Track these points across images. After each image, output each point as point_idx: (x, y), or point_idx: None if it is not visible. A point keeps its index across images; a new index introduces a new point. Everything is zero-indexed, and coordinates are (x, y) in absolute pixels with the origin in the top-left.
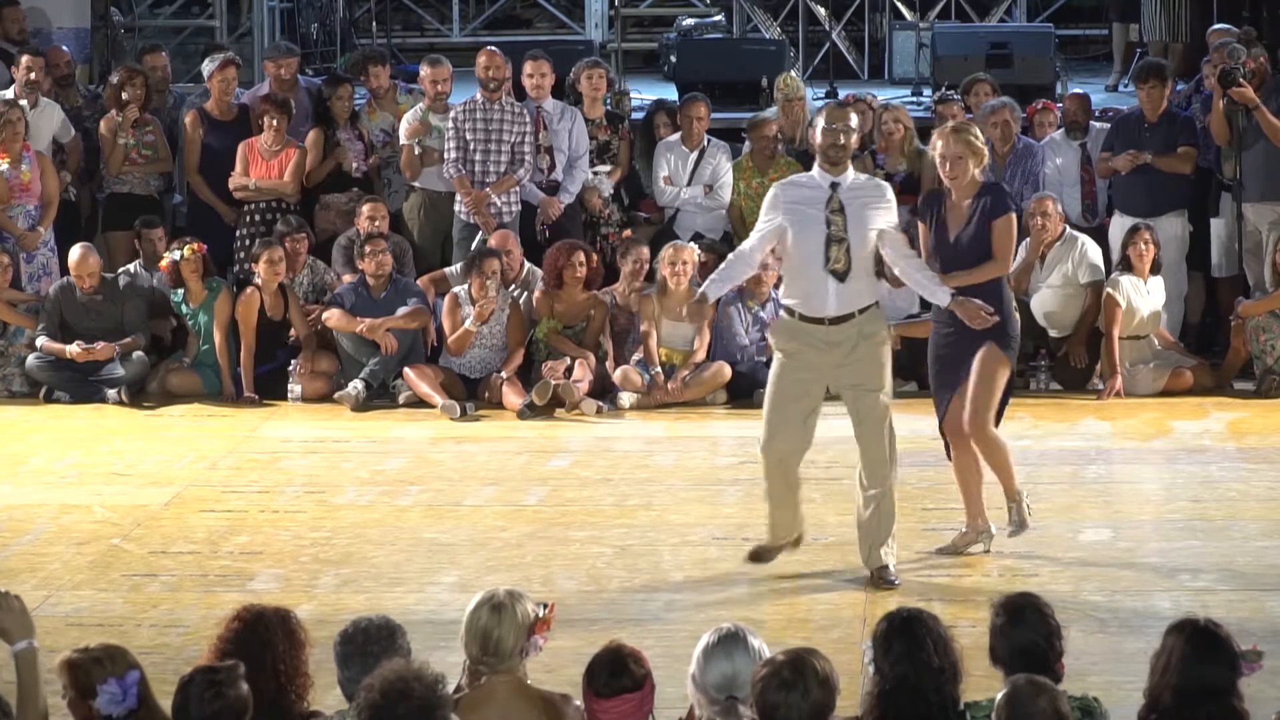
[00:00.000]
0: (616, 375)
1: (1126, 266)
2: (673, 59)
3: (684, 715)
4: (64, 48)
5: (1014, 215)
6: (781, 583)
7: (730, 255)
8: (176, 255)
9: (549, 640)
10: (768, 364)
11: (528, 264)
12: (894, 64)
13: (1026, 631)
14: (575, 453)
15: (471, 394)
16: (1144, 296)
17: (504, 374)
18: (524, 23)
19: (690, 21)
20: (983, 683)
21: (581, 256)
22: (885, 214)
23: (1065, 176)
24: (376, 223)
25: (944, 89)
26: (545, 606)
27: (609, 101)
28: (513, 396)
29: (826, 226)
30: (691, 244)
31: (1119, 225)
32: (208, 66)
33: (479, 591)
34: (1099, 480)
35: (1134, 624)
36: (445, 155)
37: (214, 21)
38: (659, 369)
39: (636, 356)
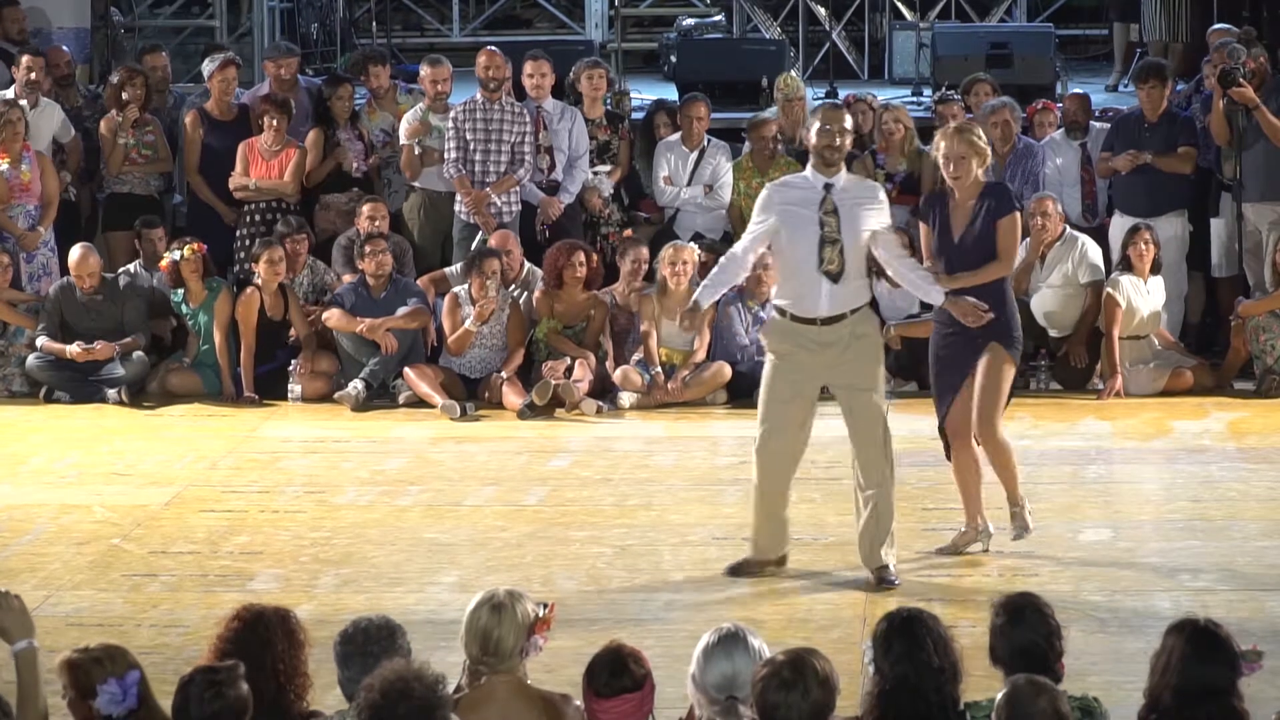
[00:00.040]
0: (616, 375)
1: (1126, 266)
2: (673, 59)
3: (684, 715)
4: (64, 48)
5: (1018, 215)
6: (781, 583)
7: (722, 259)
8: (176, 255)
9: (549, 640)
10: None
11: (528, 264)
12: (894, 64)
13: (1026, 631)
14: (575, 453)
15: (471, 394)
16: (1144, 296)
17: (504, 374)
18: (524, 23)
19: (690, 21)
20: (983, 683)
21: (581, 256)
22: (878, 215)
23: (1065, 176)
24: (376, 223)
25: (944, 89)
26: (545, 606)
27: (609, 101)
28: (513, 396)
29: (820, 228)
30: (691, 244)
31: (1119, 225)
32: (208, 66)
33: (479, 591)
34: (1099, 480)
35: (1134, 624)
36: (445, 155)
37: (214, 21)
38: (659, 369)
39: (636, 356)
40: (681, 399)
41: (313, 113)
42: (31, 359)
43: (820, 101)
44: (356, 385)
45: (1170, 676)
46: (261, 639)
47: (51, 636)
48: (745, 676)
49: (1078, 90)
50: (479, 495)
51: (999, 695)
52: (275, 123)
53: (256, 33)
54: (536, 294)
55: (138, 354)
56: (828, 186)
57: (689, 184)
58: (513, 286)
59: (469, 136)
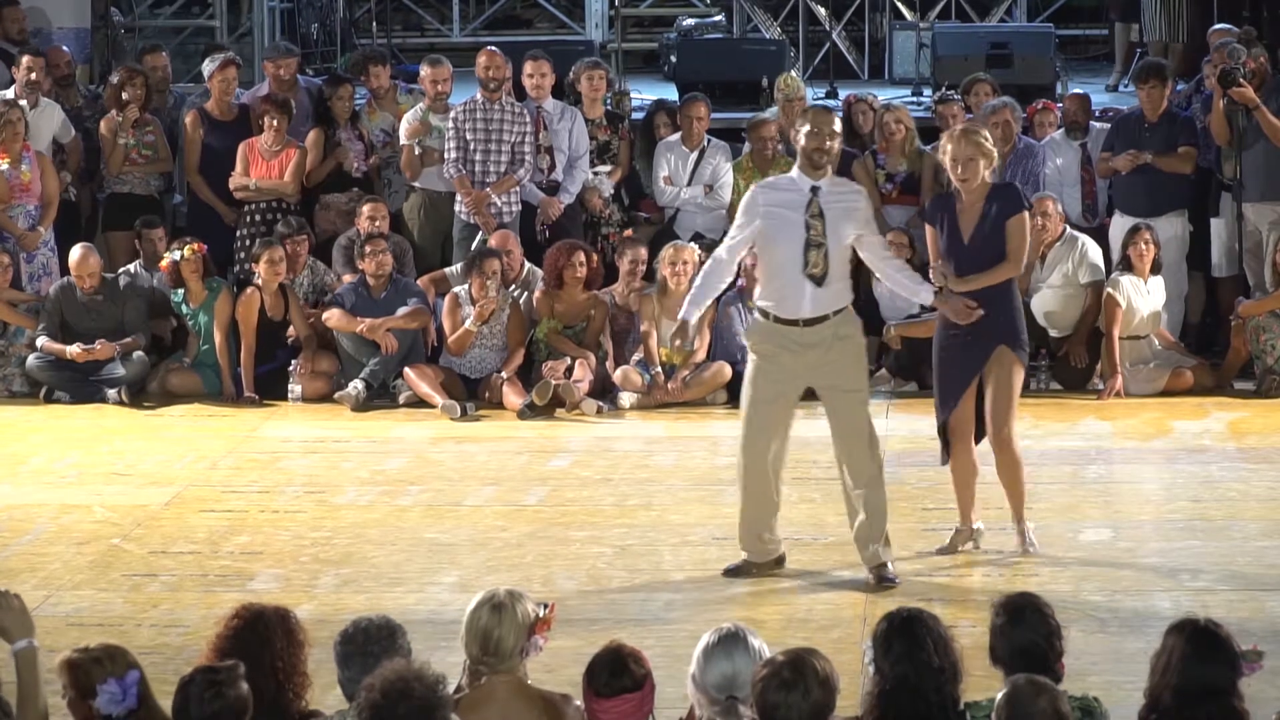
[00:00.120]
0: (616, 375)
1: (1127, 266)
2: (673, 59)
3: (684, 715)
4: (64, 48)
5: (1027, 214)
6: (781, 583)
7: (705, 266)
8: (176, 255)
9: (549, 640)
10: None
11: (528, 264)
12: (894, 64)
13: (1026, 631)
14: (575, 453)
15: (472, 394)
16: (1144, 296)
17: (504, 374)
18: (524, 23)
19: (690, 21)
20: (983, 683)
21: (581, 256)
22: (863, 218)
23: (1065, 176)
24: (377, 223)
25: (944, 89)
26: (545, 606)
27: (609, 101)
28: (513, 396)
29: (806, 231)
30: (691, 244)
31: (1119, 225)
32: (208, 66)
33: (479, 591)
34: (1099, 480)
35: (1134, 624)
36: (445, 155)
37: (214, 21)
38: (659, 369)
39: (636, 356)
40: (681, 399)
41: (313, 113)
42: (31, 359)
43: (812, 103)
44: (357, 385)
45: (1170, 676)
46: (261, 637)
47: (51, 636)
48: (745, 676)
49: (1078, 90)
50: (479, 495)
51: (999, 695)
52: (275, 123)
53: (256, 33)
54: (537, 294)
55: (138, 354)
56: (814, 189)
57: (689, 184)
58: (513, 286)
59: (469, 136)
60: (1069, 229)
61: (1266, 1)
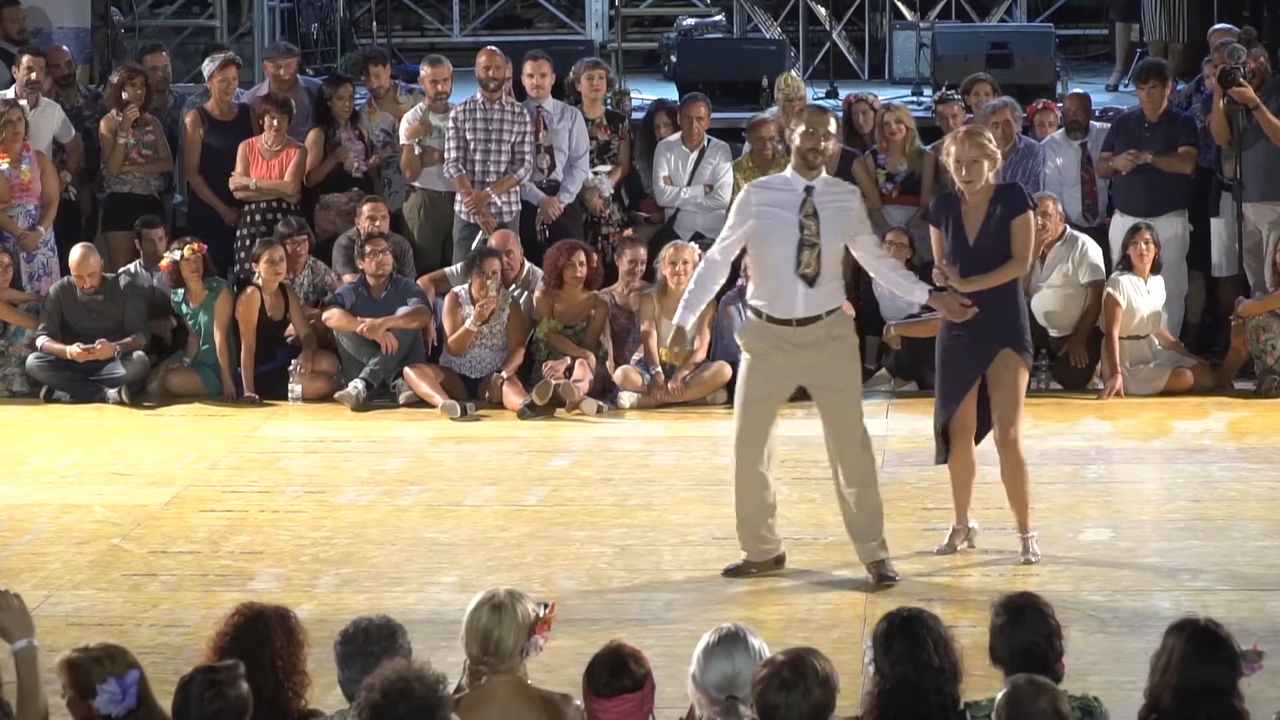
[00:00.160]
0: (617, 375)
1: (1127, 266)
2: (673, 59)
3: (684, 715)
4: (64, 48)
5: (1032, 214)
6: (781, 583)
7: (699, 269)
8: (177, 255)
9: (549, 640)
10: None
11: (528, 264)
12: (894, 64)
13: (1026, 631)
14: (575, 453)
15: (472, 394)
16: (1144, 296)
17: (504, 374)
18: (524, 23)
19: (690, 21)
20: (983, 683)
21: (581, 256)
22: (857, 218)
23: (1065, 176)
24: (377, 223)
25: (944, 89)
26: (546, 606)
27: (609, 101)
28: (513, 396)
29: (799, 231)
30: (691, 244)
31: (1119, 225)
32: (208, 66)
33: (479, 591)
34: (1099, 480)
35: (1134, 624)
36: (445, 155)
37: (214, 21)
38: (659, 369)
39: (637, 356)
40: (681, 399)
41: (313, 113)
42: (32, 359)
43: (808, 104)
44: (357, 385)
45: (1170, 676)
46: (260, 636)
47: (51, 636)
48: (745, 676)
49: (1078, 90)
50: (479, 495)
51: (999, 695)
52: (275, 123)
53: (256, 33)
54: (537, 294)
55: (138, 354)
56: (809, 189)
57: (689, 184)
58: (513, 286)
59: (469, 136)
60: (1069, 229)
61: (1266, 1)
